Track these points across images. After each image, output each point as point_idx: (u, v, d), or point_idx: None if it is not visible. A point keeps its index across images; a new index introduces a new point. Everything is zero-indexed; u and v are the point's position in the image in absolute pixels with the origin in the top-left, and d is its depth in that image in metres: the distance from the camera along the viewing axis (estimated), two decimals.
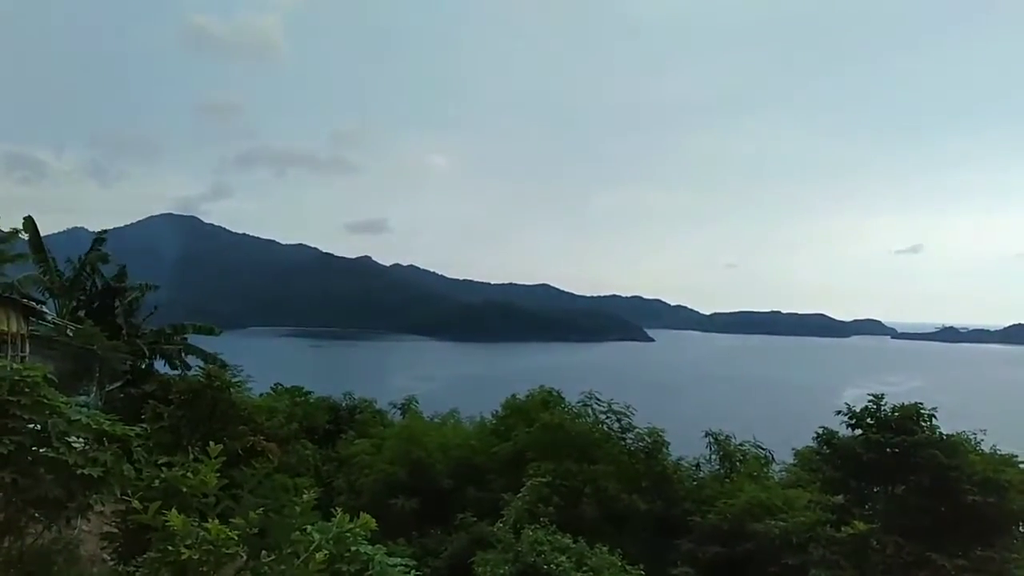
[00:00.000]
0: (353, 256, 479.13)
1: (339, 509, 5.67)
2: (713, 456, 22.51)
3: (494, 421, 25.70)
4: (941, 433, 15.53)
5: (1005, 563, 13.82)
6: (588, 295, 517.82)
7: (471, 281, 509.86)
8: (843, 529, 15.29)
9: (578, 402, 22.97)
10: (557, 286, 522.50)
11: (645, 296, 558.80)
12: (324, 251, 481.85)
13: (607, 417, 22.03)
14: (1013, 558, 14.07)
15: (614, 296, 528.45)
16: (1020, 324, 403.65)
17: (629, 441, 21.40)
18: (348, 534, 5.44)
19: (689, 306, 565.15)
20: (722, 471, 22.02)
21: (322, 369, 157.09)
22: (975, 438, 24.45)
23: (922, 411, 15.76)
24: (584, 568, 13.34)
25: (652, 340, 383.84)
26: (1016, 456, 25.25)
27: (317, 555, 5.13)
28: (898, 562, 14.69)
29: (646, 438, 20.82)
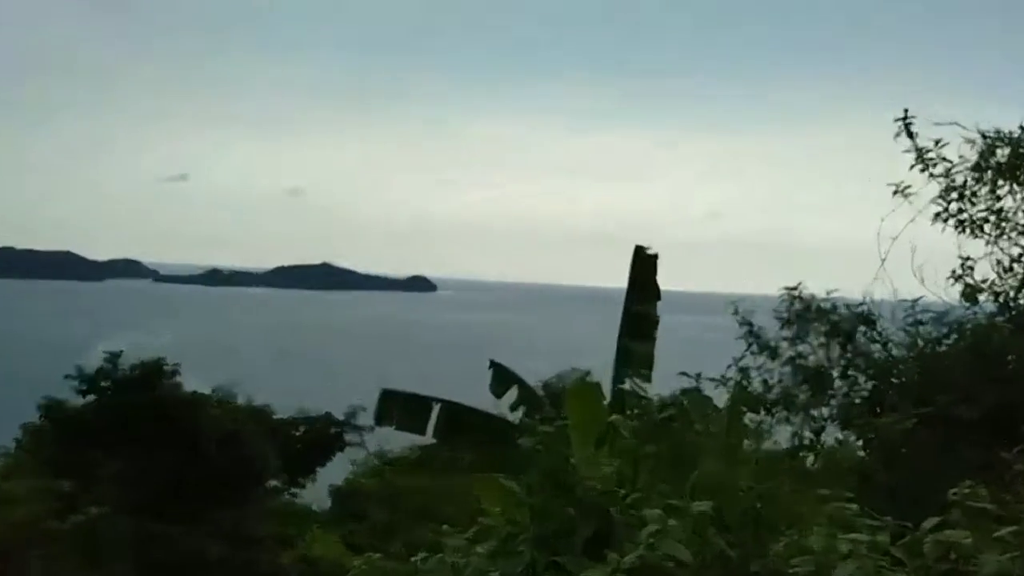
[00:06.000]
0: None
1: None
2: None
3: None
4: (183, 390, 14.40)
5: (252, 519, 13.61)
6: None
7: None
8: (70, 518, 12.94)
9: None
10: None
11: None
12: None
13: None
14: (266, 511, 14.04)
15: None
16: (284, 267, 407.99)
17: None
18: None
19: None
20: None
21: None
22: (229, 389, 24.53)
23: (165, 366, 14.33)
24: None
25: None
26: (271, 407, 26.31)
27: None
28: (136, 540, 13.13)
29: None
